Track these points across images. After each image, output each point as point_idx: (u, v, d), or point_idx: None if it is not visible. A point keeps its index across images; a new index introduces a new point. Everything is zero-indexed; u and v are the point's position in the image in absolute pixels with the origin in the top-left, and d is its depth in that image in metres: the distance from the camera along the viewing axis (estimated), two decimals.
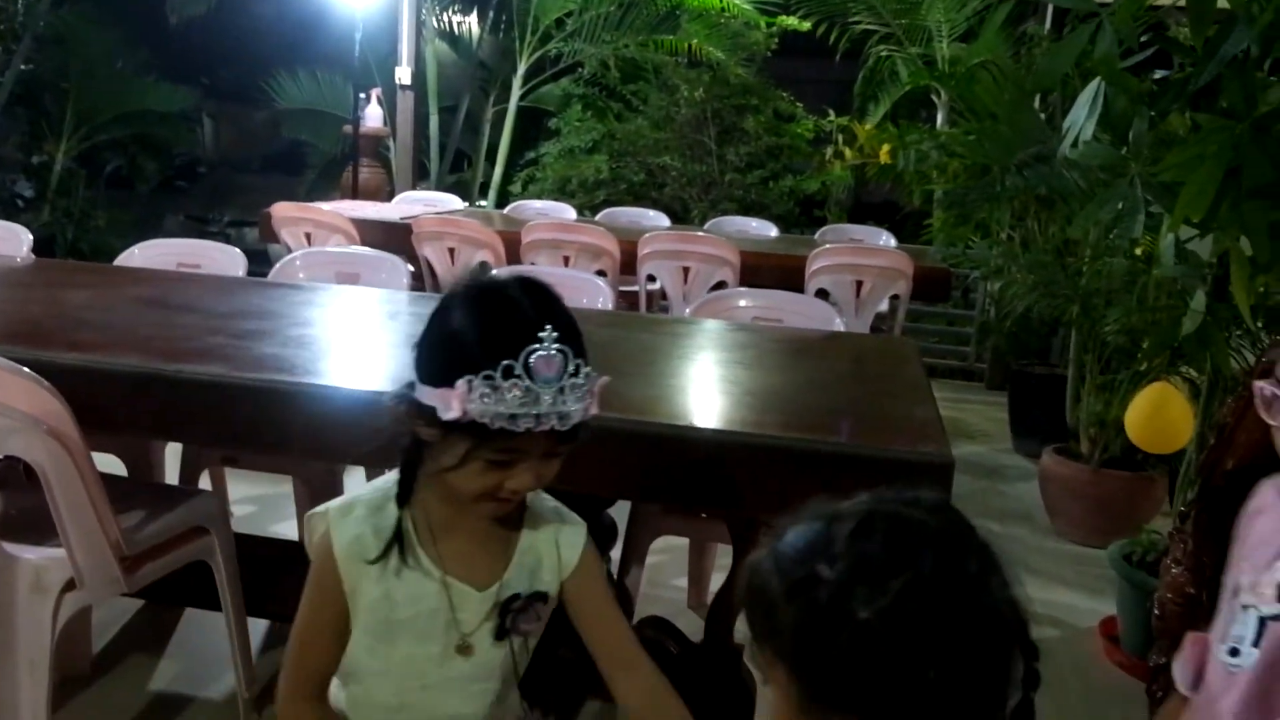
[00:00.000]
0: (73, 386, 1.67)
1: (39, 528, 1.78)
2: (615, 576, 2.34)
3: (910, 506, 0.78)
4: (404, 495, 1.19)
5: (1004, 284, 4.04)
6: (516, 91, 7.73)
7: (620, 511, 2.28)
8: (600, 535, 2.23)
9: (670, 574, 2.95)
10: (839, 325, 2.72)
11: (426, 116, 7.59)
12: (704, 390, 1.98)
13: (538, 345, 1.05)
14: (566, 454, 1.14)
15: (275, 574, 1.94)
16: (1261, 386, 1.16)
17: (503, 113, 7.84)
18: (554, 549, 1.25)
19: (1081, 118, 2.06)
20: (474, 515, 1.18)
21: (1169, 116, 2.16)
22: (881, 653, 0.71)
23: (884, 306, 4.17)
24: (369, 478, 2.27)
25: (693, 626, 2.30)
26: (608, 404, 1.75)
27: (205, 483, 2.73)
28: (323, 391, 1.72)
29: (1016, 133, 2.84)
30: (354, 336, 2.34)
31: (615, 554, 2.33)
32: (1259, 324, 2.41)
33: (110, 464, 2.36)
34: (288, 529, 2.97)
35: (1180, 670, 1.30)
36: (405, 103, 6.96)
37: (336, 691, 1.27)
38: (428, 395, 1.08)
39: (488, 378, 1.03)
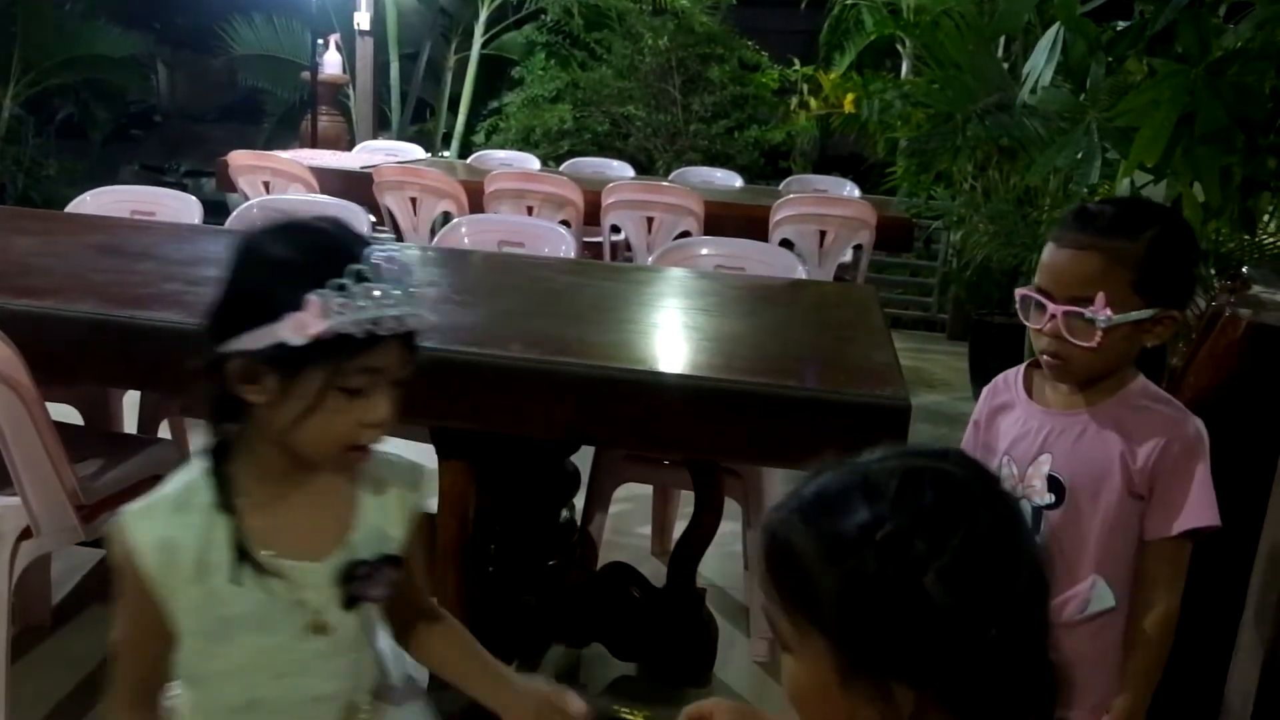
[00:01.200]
0: (24, 334, 1.65)
1: None
2: (579, 524, 2.36)
3: (943, 460, 0.75)
4: (224, 491, 1.04)
5: (965, 234, 4.07)
6: (479, 38, 7.60)
7: (583, 459, 2.29)
8: (563, 482, 2.25)
9: (634, 522, 2.97)
10: (802, 274, 2.74)
11: (387, 64, 7.45)
12: (667, 336, 1.99)
13: (377, 247, 1.00)
14: (408, 378, 1.05)
15: None
16: (1022, 294, 1.31)
17: (465, 61, 7.71)
18: (402, 504, 1.14)
19: (1041, 63, 2.07)
20: (313, 478, 1.08)
21: (1126, 62, 2.17)
22: (942, 613, 0.68)
23: (848, 257, 4.19)
24: None
25: (656, 574, 2.33)
26: (569, 349, 1.76)
27: (165, 432, 2.71)
28: None
29: (978, 80, 2.84)
30: None
31: (578, 501, 2.34)
32: (1210, 270, 2.45)
33: (67, 415, 2.33)
34: None
35: None
36: (364, 49, 6.83)
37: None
38: (264, 336, 0.96)
39: (340, 287, 0.95)
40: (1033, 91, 2.08)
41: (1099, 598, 1.28)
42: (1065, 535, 1.28)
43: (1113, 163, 2.20)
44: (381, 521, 1.12)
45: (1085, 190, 2.81)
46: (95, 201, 2.97)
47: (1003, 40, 3.91)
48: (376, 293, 0.96)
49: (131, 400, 2.69)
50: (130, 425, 2.68)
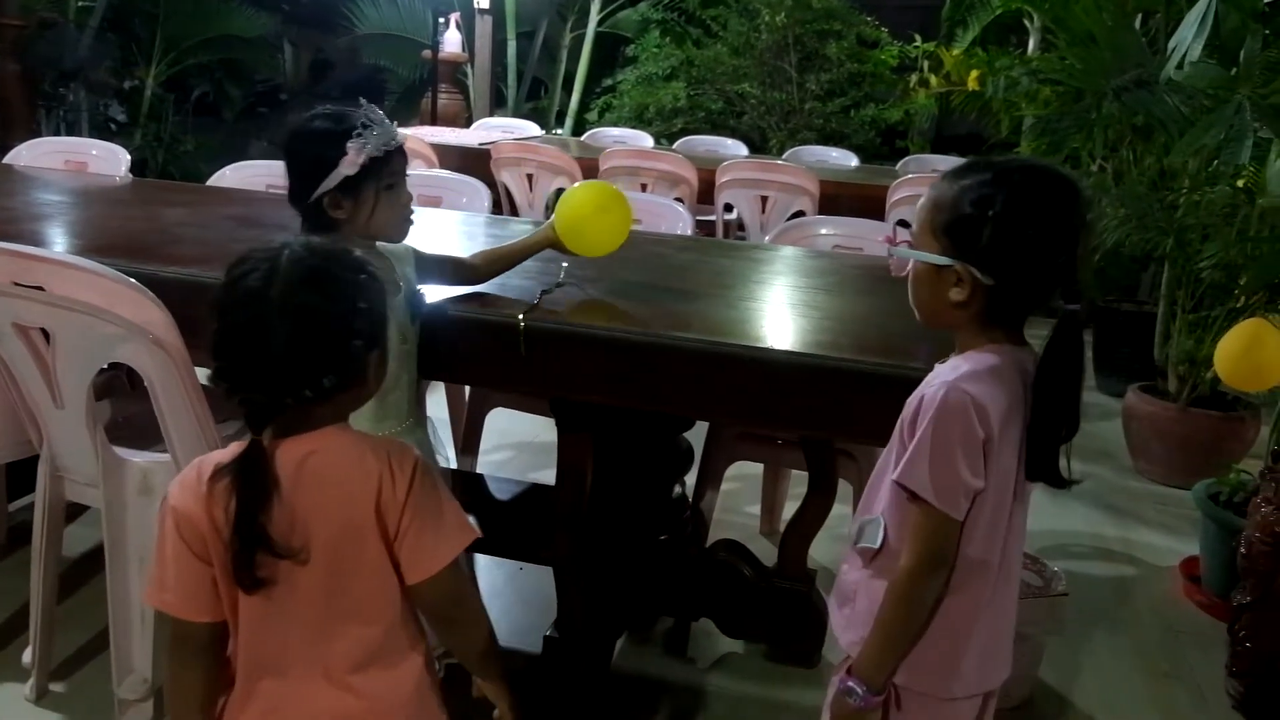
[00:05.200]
0: (173, 298, 1.73)
1: (144, 434, 1.87)
2: (690, 500, 2.37)
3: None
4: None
5: (1093, 217, 3.91)
6: (594, 17, 7.63)
7: (697, 436, 2.30)
8: (677, 458, 2.27)
9: (744, 501, 2.98)
10: None
11: (504, 42, 7.55)
12: (785, 314, 1.98)
13: (364, 109, 1.55)
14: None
15: None
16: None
17: (580, 39, 7.75)
18: None
19: (1189, 37, 1.97)
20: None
21: None
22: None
23: None
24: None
25: (764, 553, 2.33)
26: (686, 324, 1.76)
27: None
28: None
29: (1115, 56, 2.72)
30: None
31: (690, 479, 2.35)
32: None
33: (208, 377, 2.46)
34: None
35: None
36: (483, 27, 6.94)
37: None
38: (334, 178, 1.51)
39: (359, 133, 1.51)
40: (1179, 67, 1.98)
41: (869, 534, 1.28)
42: (878, 470, 1.31)
43: (1263, 143, 2.08)
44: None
45: (1230, 172, 2.68)
46: (234, 176, 3.10)
47: (1139, 14, 3.72)
48: (379, 127, 1.53)
49: None
50: None
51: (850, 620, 1.30)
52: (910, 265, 1.25)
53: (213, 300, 1.11)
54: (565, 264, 1.93)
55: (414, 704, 1.19)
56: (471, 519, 1.21)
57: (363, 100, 1.57)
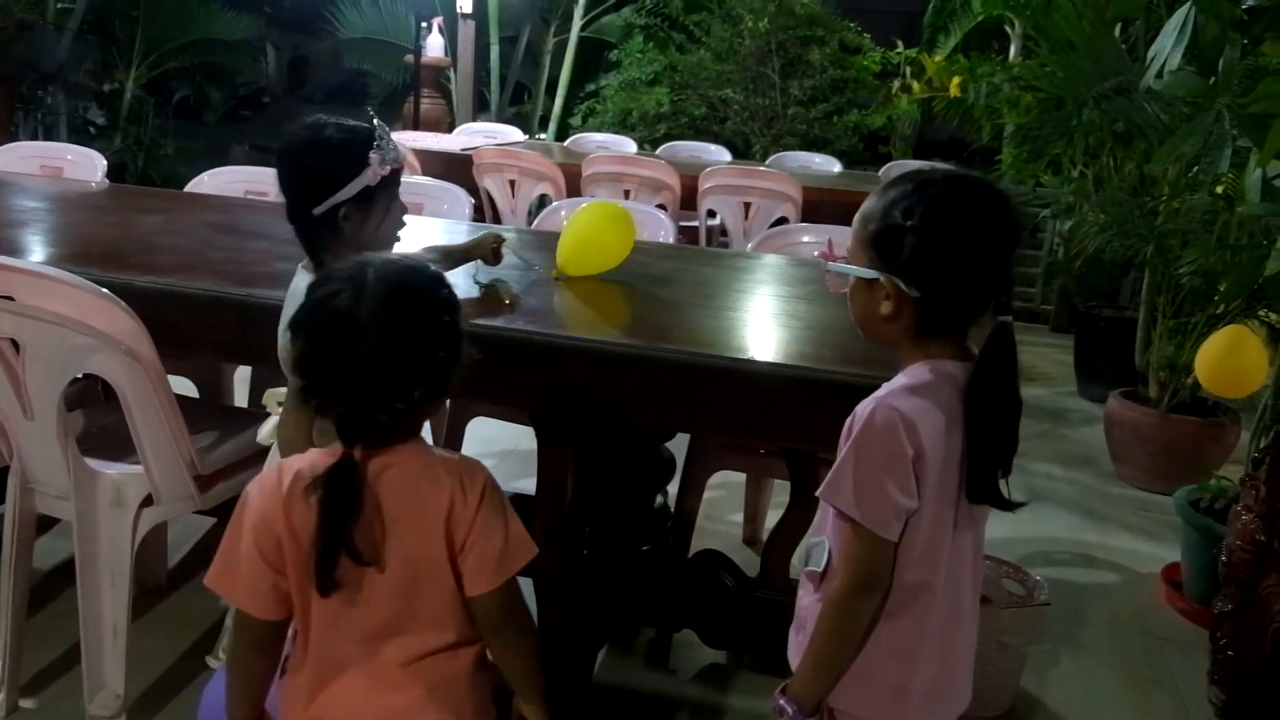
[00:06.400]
0: (147, 308, 1.71)
1: (117, 445, 1.85)
2: (672, 510, 2.36)
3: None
4: None
5: (1074, 223, 3.92)
6: (578, 21, 7.62)
7: (679, 445, 2.29)
8: (659, 468, 2.25)
9: (726, 509, 2.96)
10: None
11: (487, 47, 7.52)
12: (767, 324, 1.97)
13: (372, 123, 1.56)
14: None
15: None
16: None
17: (563, 44, 7.74)
18: None
19: (1168, 46, 1.97)
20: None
21: (1262, 45, 2.06)
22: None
23: None
24: None
25: (747, 561, 2.32)
26: (668, 335, 1.75)
27: None
28: None
29: (1095, 63, 2.73)
30: None
31: (673, 488, 2.34)
32: None
33: (184, 387, 2.43)
34: None
35: None
36: (466, 32, 6.91)
37: None
38: (354, 187, 1.50)
39: (378, 145, 1.51)
40: (1158, 76, 1.99)
41: (815, 557, 1.26)
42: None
43: (1242, 151, 2.08)
44: None
45: (1209, 180, 2.69)
46: (212, 181, 3.07)
47: (1119, 22, 3.74)
48: (389, 141, 1.54)
49: (243, 375, 2.79)
50: (241, 399, 2.78)
51: (802, 646, 1.28)
52: (849, 282, 1.24)
53: (296, 321, 1.17)
54: (537, 267, 1.95)
55: (468, 685, 1.24)
56: None
57: (370, 111, 1.58)
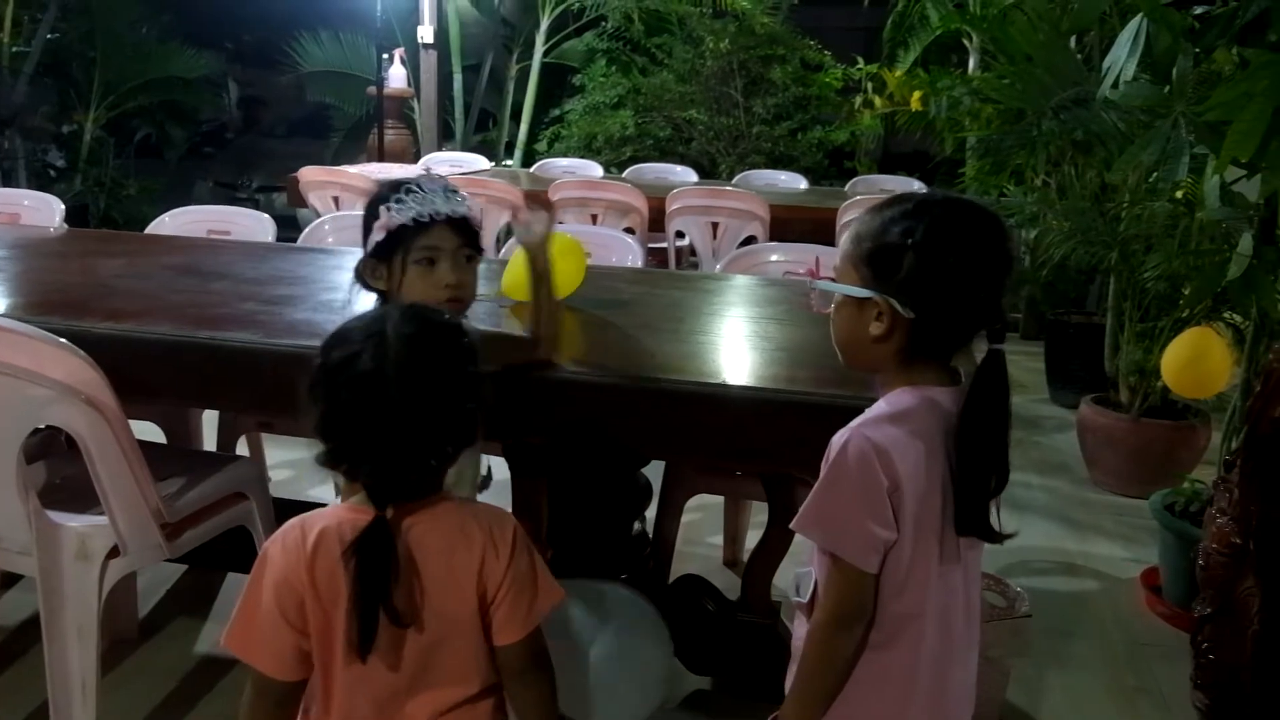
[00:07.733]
0: (109, 355, 1.68)
1: (81, 496, 1.80)
2: (650, 537, 2.34)
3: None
4: None
5: (1039, 232, 3.96)
6: (540, 48, 7.64)
7: (655, 469, 2.27)
8: (635, 495, 2.23)
9: (705, 532, 2.95)
10: None
11: (450, 76, 7.53)
12: (736, 347, 1.96)
13: (422, 177, 1.51)
14: (478, 258, 1.54)
15: None
16: None
17: (526, 70, 7.76)
18: None
19: (1122, 56, 2.00)
20: None
21: (1214, 53, 2.09)
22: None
23: None
24: None
25: (727, 584, 2.30)
26: (639, 362, 1.74)
27: (243, 449, 2.76)
28: None
29: (1052, 75, 2.76)
30: None
31: (650, 513, 2.32)
32: None
33: (149, 431, 2.39)
34: (324, 493, 2.99)
35: None
36: (428, 62, 6.90)
37: None
38: (370, 242, 1.49)
39: (398, 200, 1.46)
40: (1114, 86, 2.01)
41: (802, 588, 1.25)
42: None
43: (1200, 157, 2.11)
44: None
45: (1169, 187, 2.72)
46: (174, 222, 3.04)
47: (1074, 34, 3.79)
48: (416, 197, 1.46)
49: (210, 418, 2.74)
50: (209, 441, 2.74)
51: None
52: (832, 303, 1.23)
53: (314, 383, 1.12)
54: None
55: None
56: None
57: (428, 168, 1.55)
